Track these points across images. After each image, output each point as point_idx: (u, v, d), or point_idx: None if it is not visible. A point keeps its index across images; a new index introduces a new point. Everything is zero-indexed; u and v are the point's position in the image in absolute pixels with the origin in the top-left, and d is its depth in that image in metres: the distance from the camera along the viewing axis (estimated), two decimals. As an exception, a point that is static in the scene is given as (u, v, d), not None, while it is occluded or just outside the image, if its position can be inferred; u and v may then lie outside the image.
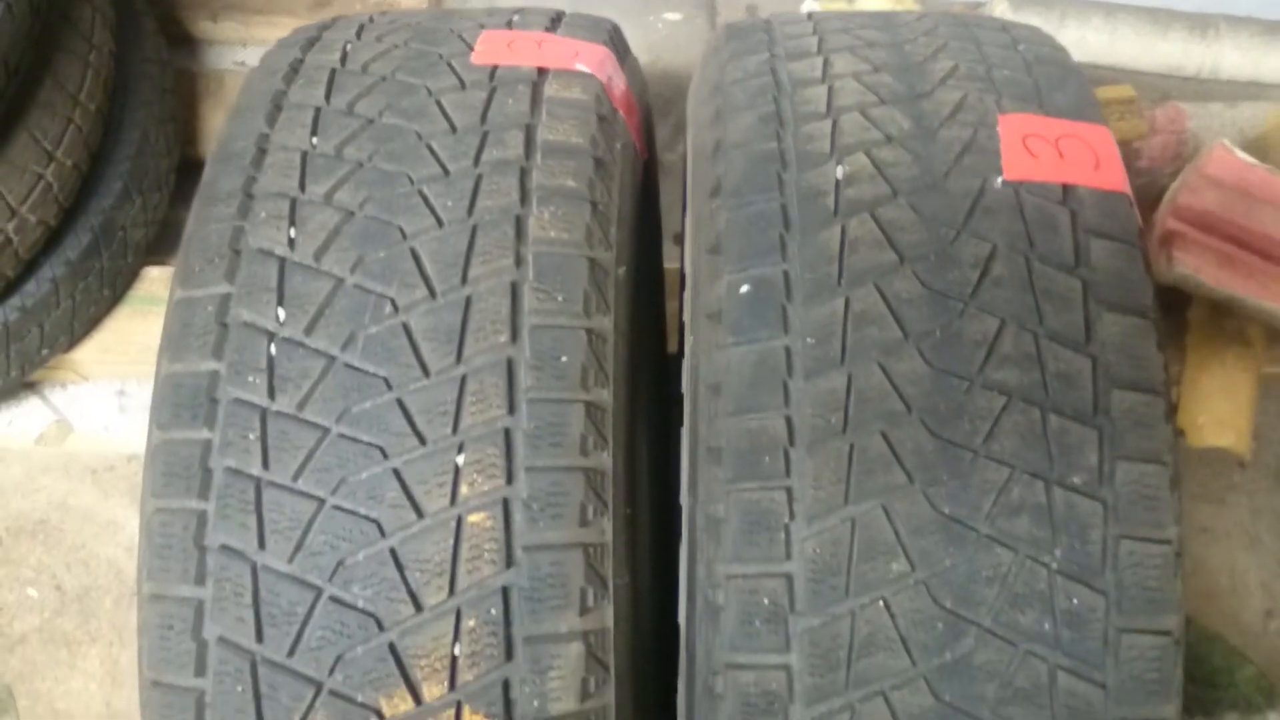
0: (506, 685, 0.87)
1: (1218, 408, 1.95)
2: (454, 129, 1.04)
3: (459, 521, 0.88)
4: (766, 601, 0.88)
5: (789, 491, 0.90)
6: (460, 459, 0.89)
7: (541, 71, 1.11)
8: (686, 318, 1.08)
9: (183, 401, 0.92)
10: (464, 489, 0.89)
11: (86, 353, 2.24)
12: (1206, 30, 2.28)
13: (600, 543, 0.92)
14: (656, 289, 1.60)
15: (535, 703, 0.88)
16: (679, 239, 1.82)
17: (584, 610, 0.89)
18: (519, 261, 0.96)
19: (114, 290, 2.19)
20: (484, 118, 1.04)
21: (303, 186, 1.00)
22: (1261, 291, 1.89)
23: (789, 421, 0.91)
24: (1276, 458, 2.12)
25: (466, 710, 0.87)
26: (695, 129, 1.17)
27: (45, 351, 2.11)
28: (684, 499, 0.99)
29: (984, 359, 0.92)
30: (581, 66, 1.12)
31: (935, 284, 0.95)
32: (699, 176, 1.10)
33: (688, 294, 1.07)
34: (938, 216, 0.98)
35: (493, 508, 0.89)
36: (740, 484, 0.90)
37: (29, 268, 1.97)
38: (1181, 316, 2.04)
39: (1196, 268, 1.90)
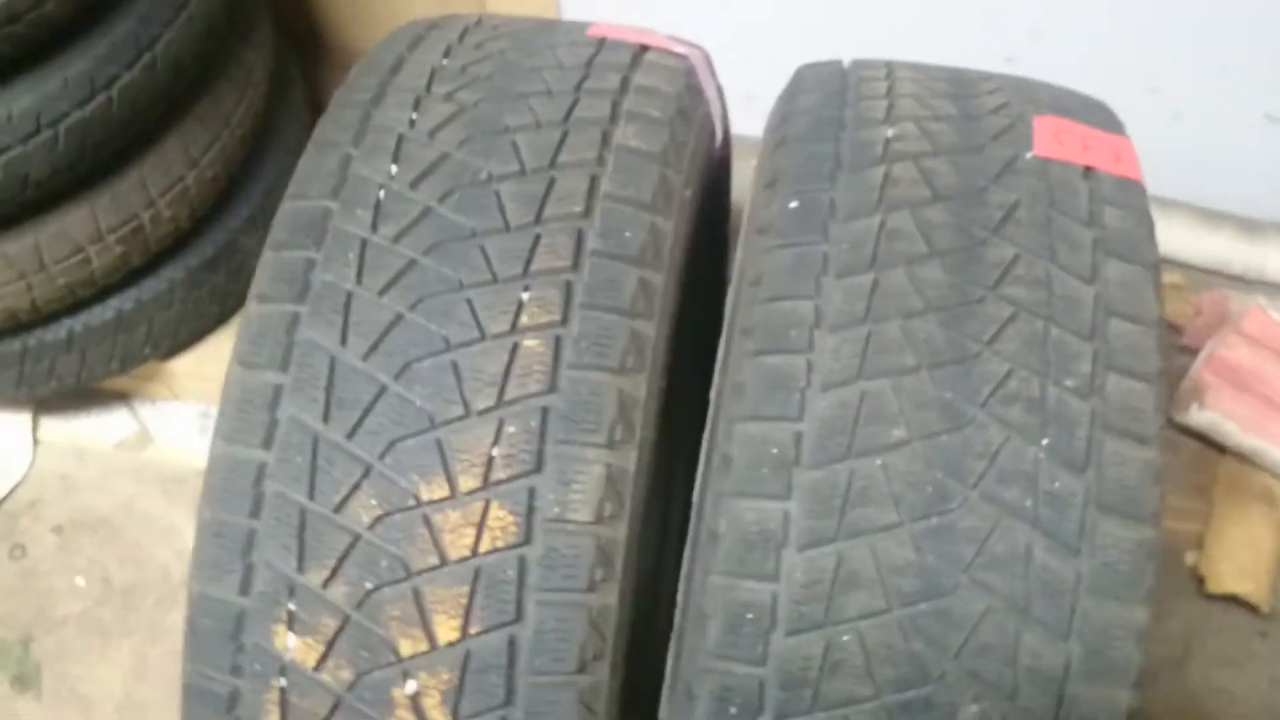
0: (533, 491, 1.01)
1: (1240, 556, 2.04)
2: (550, 92, 1.24)
3: (515, 345, 1.04)
4: (775, 451, 1.01)
5: (809, 363, 1.04)
6: (525, 295, 1.06)
7: (643, 47, 1.33)
8: (735, 269, 1.25)
9: (299, 226, 1.12)
10: (524, 319, 1.05)
11: (182, 365, 2.47)
12: (1255, 233, 2.45)
13: (634, 393, 1.06)
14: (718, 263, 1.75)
15: (556, 509, 1.00)
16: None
17: (611, 442, 1.03)
18: (601, 160, 1.15)
19: (222, 309, 2.44)
20: (587, 65, 1.27)
21: (411, 124, 1.21)
22: (1289, 448, 2.02)
23: (818, 309, 1.06)
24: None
25: (494, 505, 1.01)
26: (761, 149, 1.36)
27: (147, 350, 2.34)
28: (715, 377, 1.14)
29: (999, 278, 1.07)
30: (679, 49, 1.35)
31: (963, 216, 1.11)
32: (761, 169, 1.29)
33: (738, 252, 1.25)
34: (972, 170, 1.15)
35: (546, 338, 1.04)
36: (765, 354, 1.05)
37: (153, 263, 2.23)
38: (1212, 471, 2.15)
39: (1227, 413, 2.03)
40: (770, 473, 1.01)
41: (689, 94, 1.28)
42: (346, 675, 1.00)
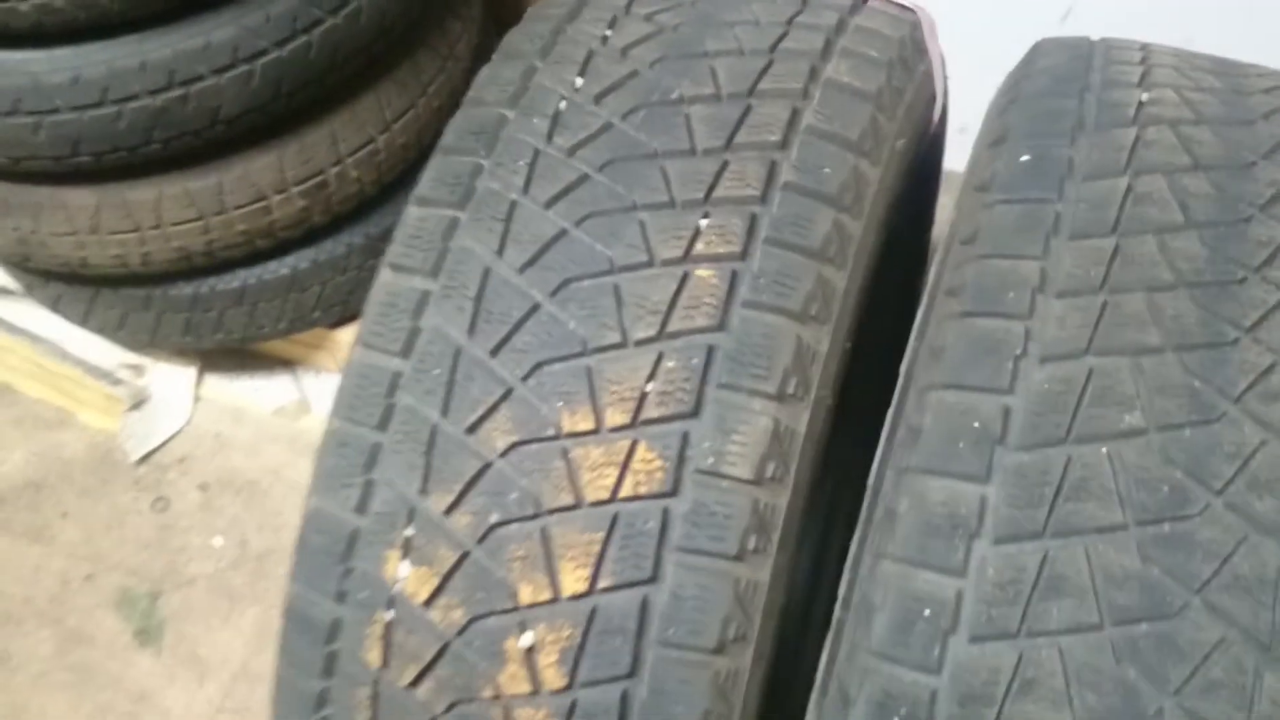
0: (686, 437, 0.90)
1: None
2: (759, 22, 1.15)
3: (686, 274, 0.94)
4: (976, 425, 0.88)
5: (1027, 330, 0.90)
6: (704, 222, 0.96)
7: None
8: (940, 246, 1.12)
9: (470, 130, 1.05)
10: (699, 246, 0.95)
11: (350, 336, 2.47)
12: None
13: (814, 345, 0.94)
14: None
15: (710, 460, 0.89)
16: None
17: (781, 395, 0.91)
18: (807, 93, 1.04)
19: (392, 283, 2.42)
20: (803, 2, 1.17)
21: (603, 40, 1.13)
22: None
23: (1043, 271, 0.93)
24: None
25: (642, 446, 0.90)
26: (987, 113, 1.24)
27: (317, 315, 2.34)
28: (910, 343, 1.01)
29: (1266, 259, 0.91)
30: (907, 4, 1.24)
31: (1228, 189, 0.96)
32: (985, 129, 1.16)
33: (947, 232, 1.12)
34: (1240, 143, 1.00)
35: (722, 269, 0.94)
36: (975, 316, 0.92)
37: (334, 224, 2.23)
38: None
39: None
40: (968, 449, 0.87)
41: (912, 45, 1.17)
42: (458, 616, 0.90)
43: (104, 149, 1.86)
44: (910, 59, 1.15)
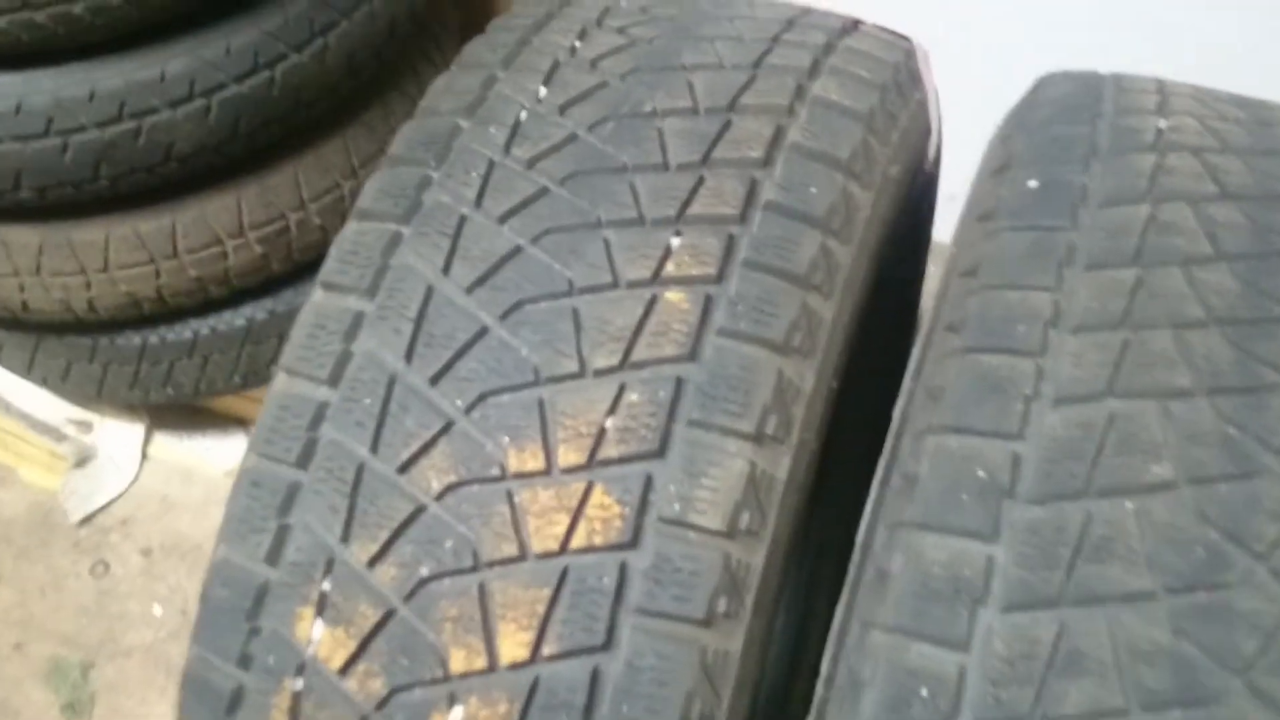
0: (649, 480, 0.79)
1: None
2: (741, 39, 1.06)
3: (654, 298, 0.84)
4: (981, 474, 0.77)
5: (1039, 368, 0.80)
6: (675, 241, 0.86)
7: (857, 21, 1.15)
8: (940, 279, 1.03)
9: (420, 140, 0.95)
10: (670, 267, 0.85)
11: (307, 394, 2.35)
12: None
13: (797, 380, 0.84)
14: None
15: (676, 507, 0.78)
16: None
17: (759, 435, 0.81)
18: (792, 110, 0.95)
19: (356, 340, 2.32)
20: (789, 22, 1.08)
21: (572, 51, 1.04)
22: None
23: (1056, 304, 0.83)
24: None
25: (598, 489, 0.79)
26: (990, 142, 1.15)
27: (273, 369, 2.23)
28: (906, 380, 0.90)
29: (1310, 295, 0.82)
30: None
31: (1260, 219, 0.86)
32: (988, 157, 1.08)
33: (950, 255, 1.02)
34: (1271, 173, 0.91)
35: (694, 293, 0.84)
36: (980, 350, 0.82)
37: (294, 273, 2.13)
38: None
39: None
40: (972, 502, 0.76)
41: (907, 71, 1.08)
42: (378, 687, 0.78)
43: (48, 183, 1.76)
44: (905, 85, 1.06)
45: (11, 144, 1.71)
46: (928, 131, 1.16)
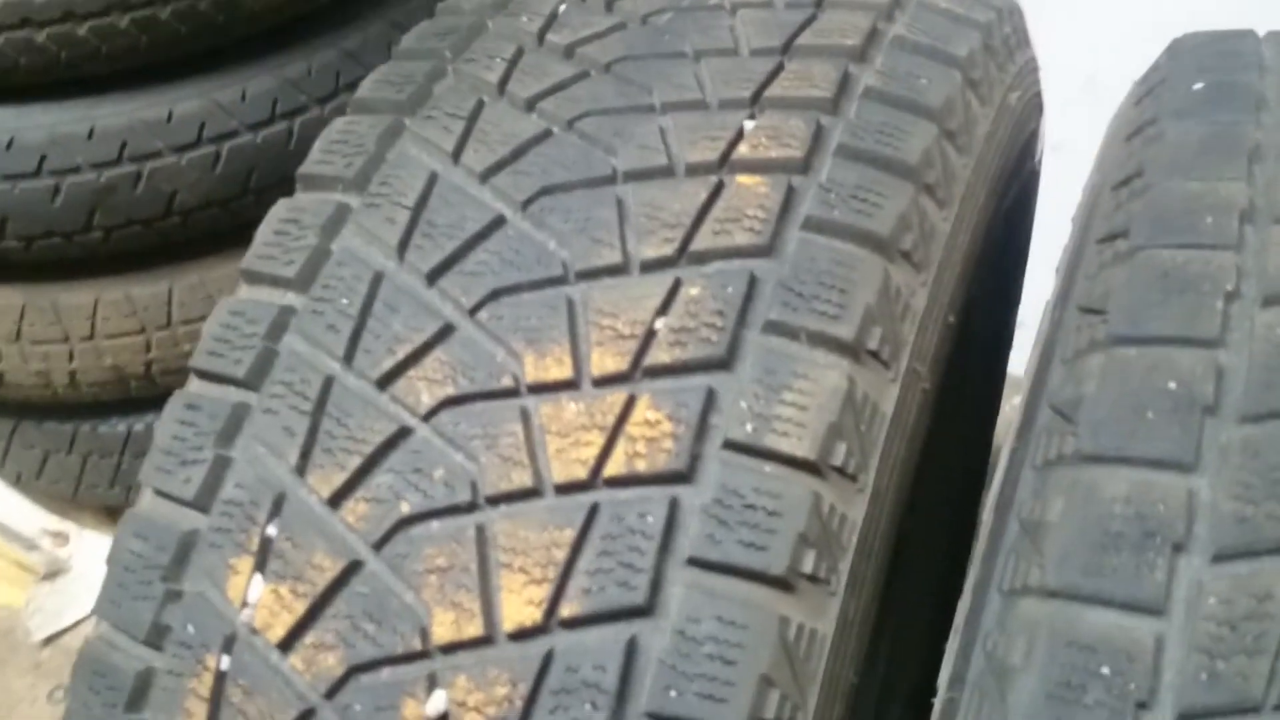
0: (712, 395, 0.60)
1: None
2: None
3: (722, 183, 0.67)
4: (1173, 386, 0.58)
5: (1238, 266, 0.62)
6: (749, 124, 0.69)
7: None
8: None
9: (436, 32, 0.80)
10: (743, 149, 0.68)
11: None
12: None
13: (907, 295, 0.66)
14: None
15: (749, 426, 0.59)
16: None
17: (858, 350, 0.62)
18: (893, 10, 0.80)
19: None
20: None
21: None
22: None
23: (1251, 200, 0.65)
24: None
25: (643, 403, 0.60)
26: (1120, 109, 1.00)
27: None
28: (1045, 315, 0.71)
29: None
30: None
31: None
32: (1119, 120, 0.92)
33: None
34: None
35: (774, 177, 0.67)
36: (1157, 246, 0.63)
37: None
38: None
39: None
40: (1162, 421, 0.57)
41: (1018, 20, 0.94)
42: (331, 664, 0.58)
43: (35, 231, 1.63)
44: (1019, 28, 0.91)
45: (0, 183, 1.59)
46: (1039, 93, 1.00)
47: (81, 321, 1.73)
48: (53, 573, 2.13)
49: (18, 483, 2.02)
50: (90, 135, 1.57)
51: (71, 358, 1.75)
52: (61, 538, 2.22)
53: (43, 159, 1.57)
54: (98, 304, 1.73)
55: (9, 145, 1.56)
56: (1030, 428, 0.63)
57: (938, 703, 0.59)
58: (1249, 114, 0.70)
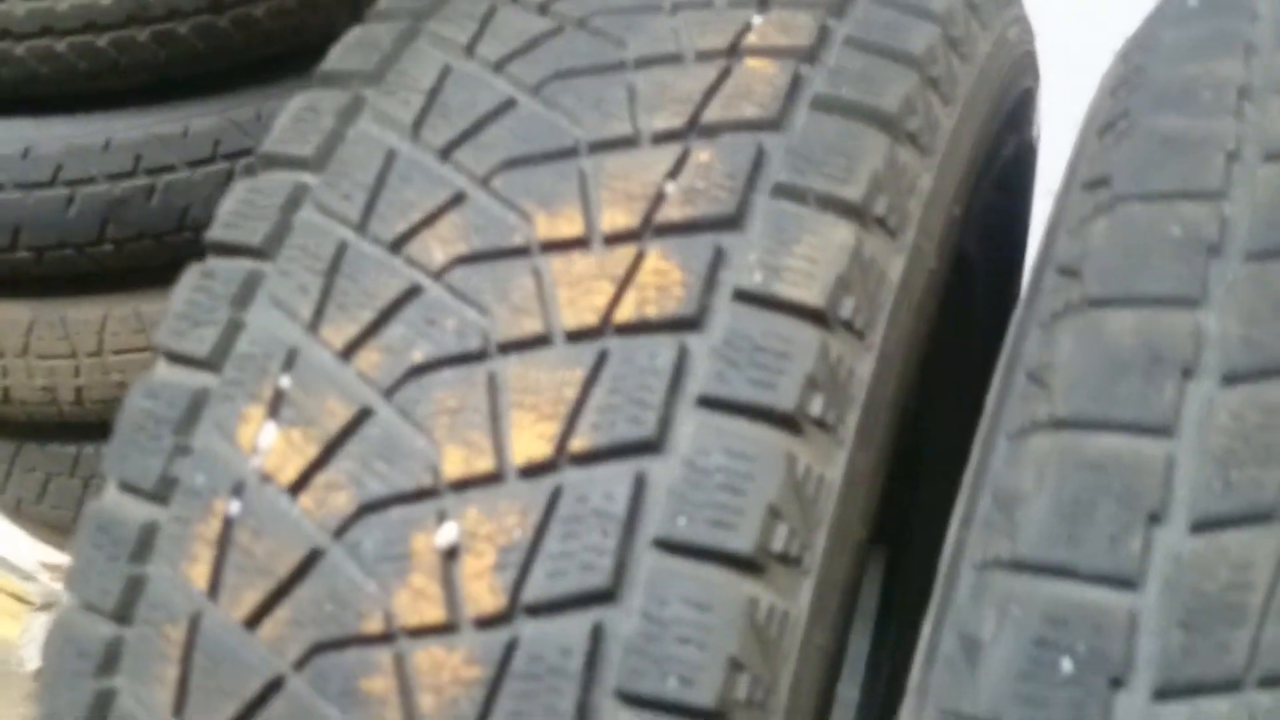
0: (721, 251, 0.61)
1: None
2: None
3: (729, 67, 0.69)
4: (1178, 231, 0.59)
5: (1238, 132, 0.63)
6: (757, 19, 0.72)
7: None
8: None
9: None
10: (751, 38, 0.70)
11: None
12: None
13: (913, 175, 0.67)
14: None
15: (757, 275, 0.60)
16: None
17: (865, 212, 0.63)
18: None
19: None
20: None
21: None
22: None
23: (1247, 78, 0.67)
24: None
25: (653, 254, 0.61)
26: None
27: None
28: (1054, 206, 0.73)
29: None
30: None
31: None
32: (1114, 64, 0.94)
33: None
34: None
35: (782, 63, 0.68)
36: (1159, 115, 0.65)
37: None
38: None
39: None
40: (1165, 263, 0.58)
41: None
42: (341, 503, 0.58)
43: (48, 242, 1.66)
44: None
45: (14, 192, 1.61)
46: (1034, 63, 1.03)
47: (89, 336, 1.74)
48: (49, 604, 2.11)
49: (18, 508, 2.02)
50: (106, 147, 1.60)
51: (78, 373, 1.76)
52: (58, 570, 2.20)
53: (58, 168, 1.59)
54: (107, 320, 1.74)
55: (25, 154, 1.58)
56: (1035, 298, 0.64)
57: (948, 545, 0.58)
58: (1245, 15, 0.72)
